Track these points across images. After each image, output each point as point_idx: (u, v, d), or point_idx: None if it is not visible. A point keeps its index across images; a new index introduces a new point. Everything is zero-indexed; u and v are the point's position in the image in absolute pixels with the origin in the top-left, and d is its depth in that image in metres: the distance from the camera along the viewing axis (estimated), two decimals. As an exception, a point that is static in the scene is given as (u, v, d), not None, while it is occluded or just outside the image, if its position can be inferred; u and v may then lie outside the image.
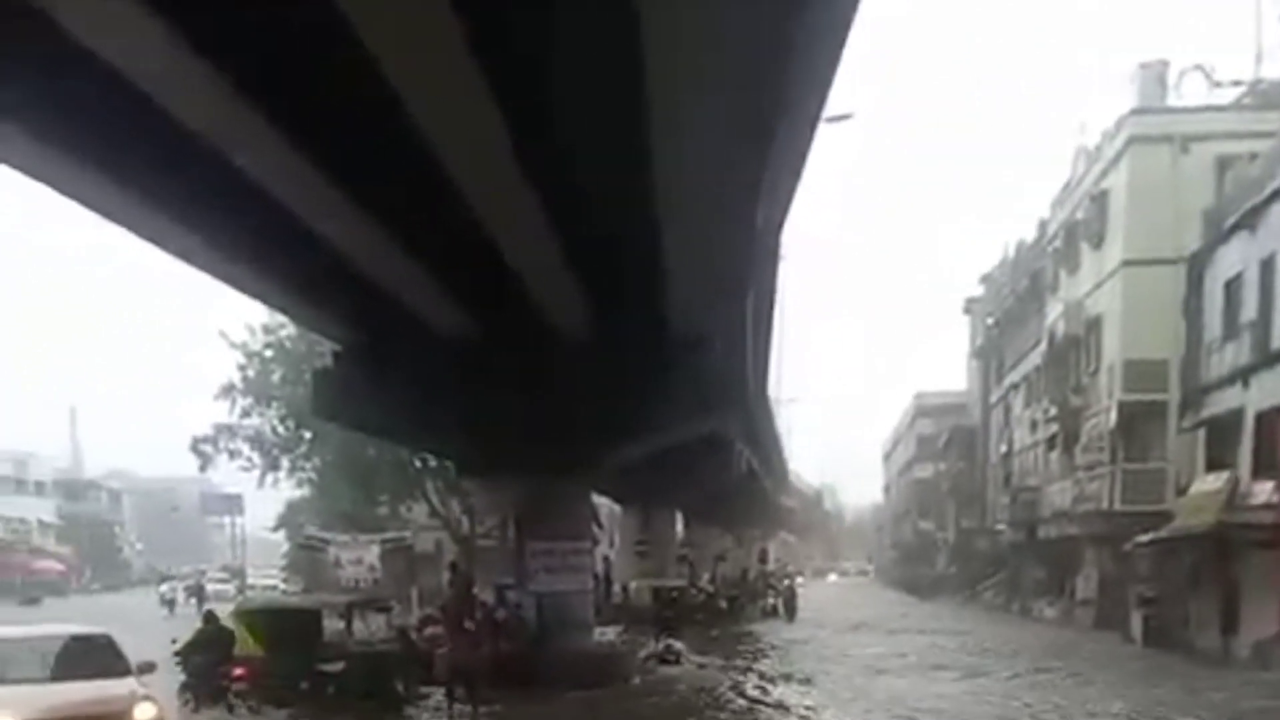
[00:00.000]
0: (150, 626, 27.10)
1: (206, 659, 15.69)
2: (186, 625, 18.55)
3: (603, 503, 37.17)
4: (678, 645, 23.48)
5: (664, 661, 22.44)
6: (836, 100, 11.33)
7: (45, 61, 8.39)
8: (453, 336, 17.32)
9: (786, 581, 45.84)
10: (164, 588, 48.27)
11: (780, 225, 15.86)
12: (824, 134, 11.93)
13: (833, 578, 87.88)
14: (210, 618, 17.00)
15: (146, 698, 11.20)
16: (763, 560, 56.74)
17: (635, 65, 8.64)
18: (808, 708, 17.62)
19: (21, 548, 68.48)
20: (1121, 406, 31.50)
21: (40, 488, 74.84)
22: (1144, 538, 27.36)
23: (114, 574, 77.64)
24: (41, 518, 73.96)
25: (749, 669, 22.80)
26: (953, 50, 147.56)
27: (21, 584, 61.59)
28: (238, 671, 15.44)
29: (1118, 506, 31.55)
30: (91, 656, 11.94)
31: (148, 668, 12.19)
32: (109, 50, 8.33)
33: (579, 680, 17.90)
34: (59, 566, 71.39)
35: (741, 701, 18.39)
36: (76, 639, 12.67)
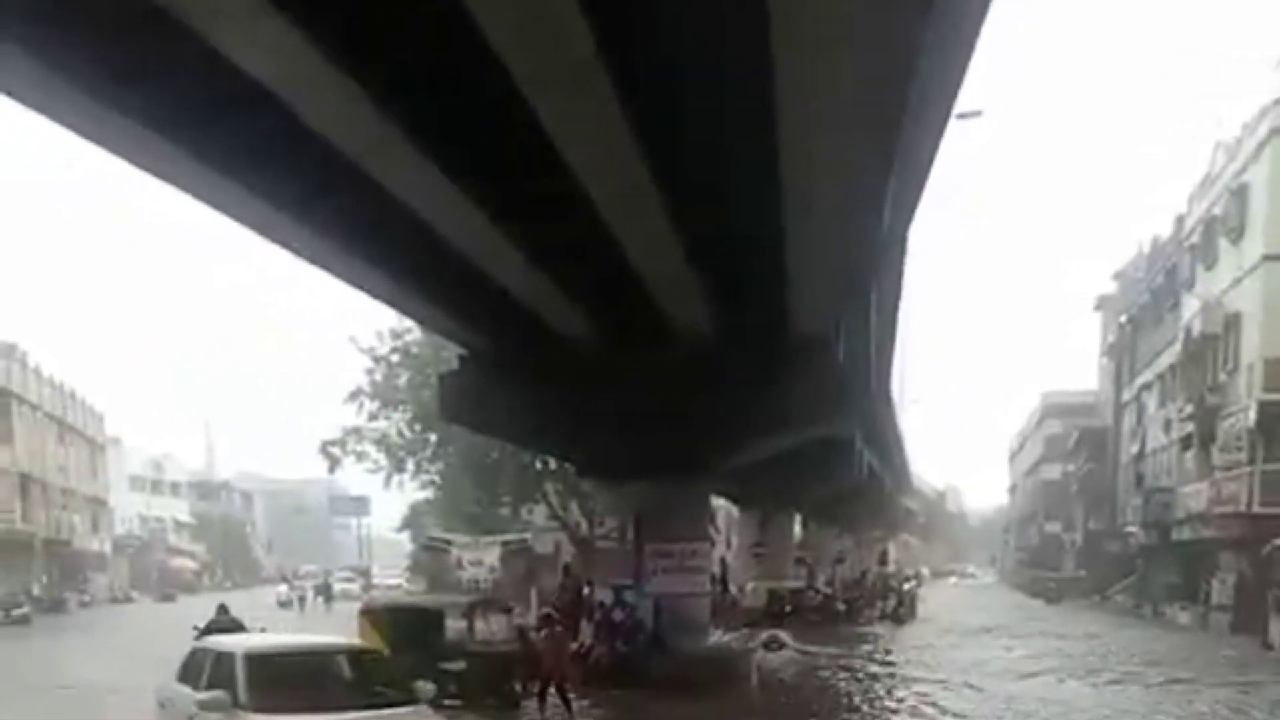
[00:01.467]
0: (288, 623, 27.95)
1: None
2: (317, 622, 18.99)
3: (720, 505, 37.06)
4: (782, 635, 23.47)
5: (767, 648, 22.41)
6: (966, 96, 11.10)
7: (192, 73, 8.64)
8: (576, 340, 17.44)
9: (906, 584, 45.21)
10: (282, 589, 49.21)
11: (907, 223, 15.59)
12: (952, 129, 11.68)
13: (954, 580, 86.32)
14: (222, 609, 18.45)
15: None
16: (882, 562, 56.12)
17: (764, 64, 8.57)
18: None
19: (158, 546, 71.11)
20: (1262, 406, 30.45)
21: (175, 488, 77.64)
22: (1285, 540, 26.40)
23: (245, 572, 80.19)
24: (176, 517, 76.74)
25: (876, 670, 22.50)
26: (1087, 42, 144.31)
27: (158, 580, 64.04)
28: None
29: (1257, 508, 30.54)
30: (376, 677, 10.52)
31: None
32: (256, 65, 8.56)
33: (694, 681, 17.86)
34: (192, 565, 74.10)
35: (867, 709, 18.10)
36: (356, 655, 11.18)
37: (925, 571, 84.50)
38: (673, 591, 19.73)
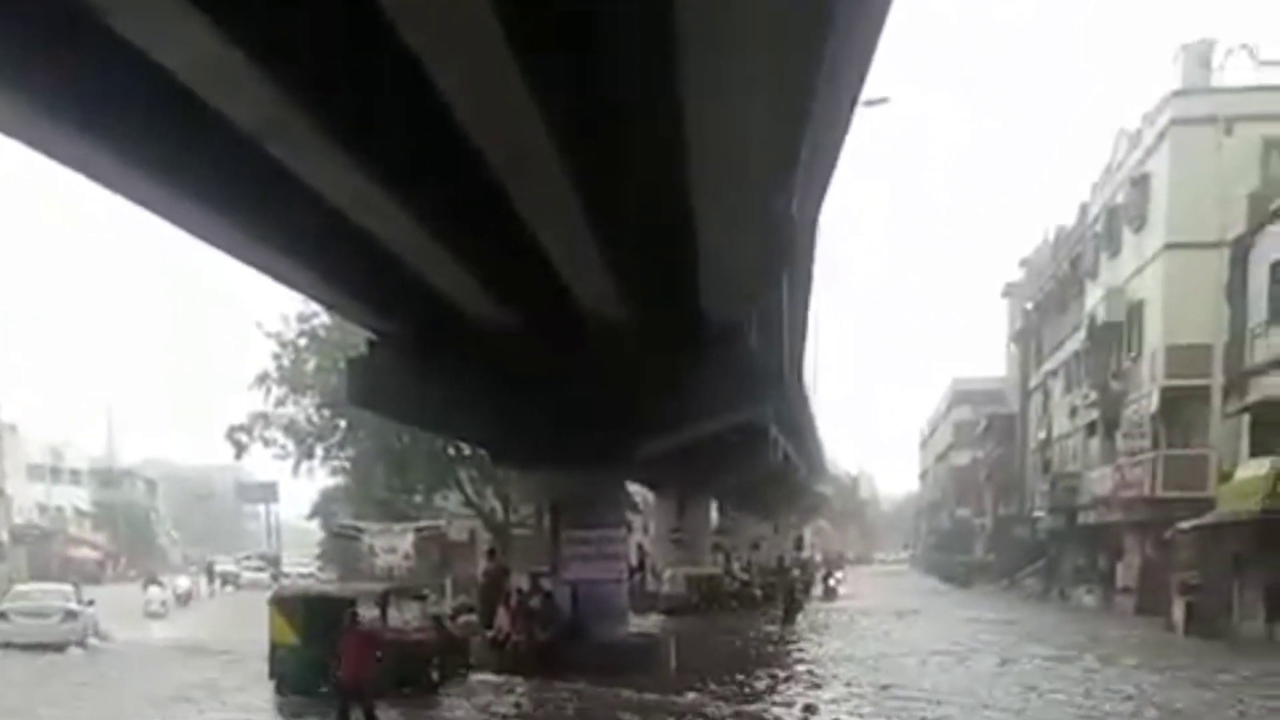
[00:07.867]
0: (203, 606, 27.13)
1: None
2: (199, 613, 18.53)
3: (637, 490, 37.06)
4: None
5: None
6: (873, 84, 11.06)
7: (92, 56, 8.35)
8: (489, 326, 17.17)
9: (796, 572, 45.16)
10: (153, 591, 43.40)
11: (817, 209, 15.60)
12: (861, 117, 11.67)
13: (868, 566, 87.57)
14: None
15: None
16: (798, 547, 56.71)
17: (670, 40, 8.44)
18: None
19: (58, 536, 69.03)
20: (1164, 391, 31.22)
21: (76, 476, 75.22)
22: (1186, 524, 27.12)
23: (150, 562, 78.24)
24: (77, 505, 74.45)
25: (790, 656, 22.61)
26: (992, 33, 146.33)
27: (58, 571, 62.21)
28: None
29: (1160, 493, 31.31)
30: None
31: None
32: (157, 49, 8.30)
33: (613, 668, 17.81)
34: (95, 554, 72.03)
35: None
36: None
37: (855, 552, 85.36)
38: (590, 578, 19.69)
